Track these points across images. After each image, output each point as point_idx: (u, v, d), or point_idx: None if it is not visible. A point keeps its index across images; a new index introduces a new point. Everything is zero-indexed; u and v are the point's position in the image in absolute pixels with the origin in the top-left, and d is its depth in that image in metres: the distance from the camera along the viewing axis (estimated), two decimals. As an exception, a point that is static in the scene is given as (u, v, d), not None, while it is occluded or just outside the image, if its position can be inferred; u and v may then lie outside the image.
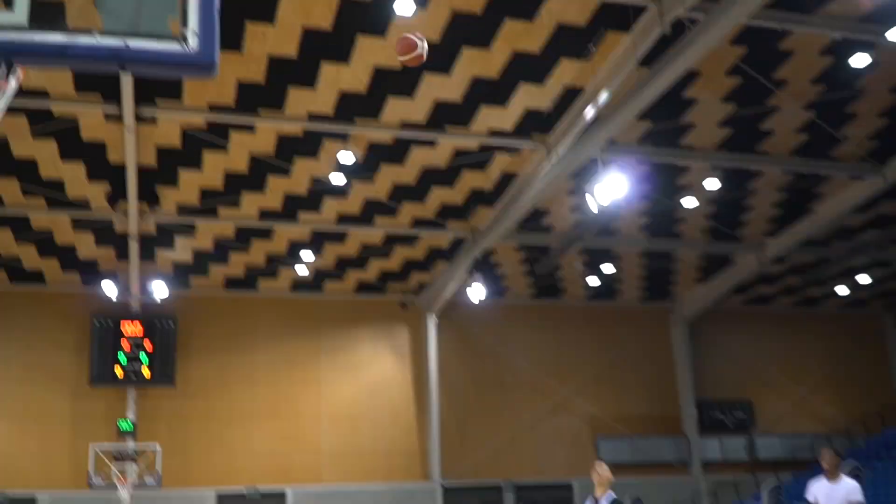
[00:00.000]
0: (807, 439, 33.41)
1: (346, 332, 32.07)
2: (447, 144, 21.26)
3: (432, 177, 22.87)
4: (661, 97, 18.10)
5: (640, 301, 34.49)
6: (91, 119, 19.32)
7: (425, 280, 30.97)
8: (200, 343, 30.13)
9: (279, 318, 31.27)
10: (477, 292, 28.59)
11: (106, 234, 25.10)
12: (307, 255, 27.69)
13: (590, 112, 18.90)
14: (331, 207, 24.53)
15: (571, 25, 16.73)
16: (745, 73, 18.45)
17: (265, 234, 26.06)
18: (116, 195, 22.79)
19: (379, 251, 27.95)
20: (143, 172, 21.39)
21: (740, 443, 34.50)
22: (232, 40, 16.51)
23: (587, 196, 19.67)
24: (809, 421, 35.05)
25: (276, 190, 23.17)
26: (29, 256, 26.64)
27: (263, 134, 20.40)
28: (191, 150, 20.81)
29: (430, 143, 21.14)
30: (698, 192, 24.39)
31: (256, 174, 22.21)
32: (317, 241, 26.84)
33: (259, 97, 18.75)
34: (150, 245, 25.99)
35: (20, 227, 24.65)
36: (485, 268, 29.01)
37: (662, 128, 20.77)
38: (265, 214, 24.66)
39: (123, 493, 25.08)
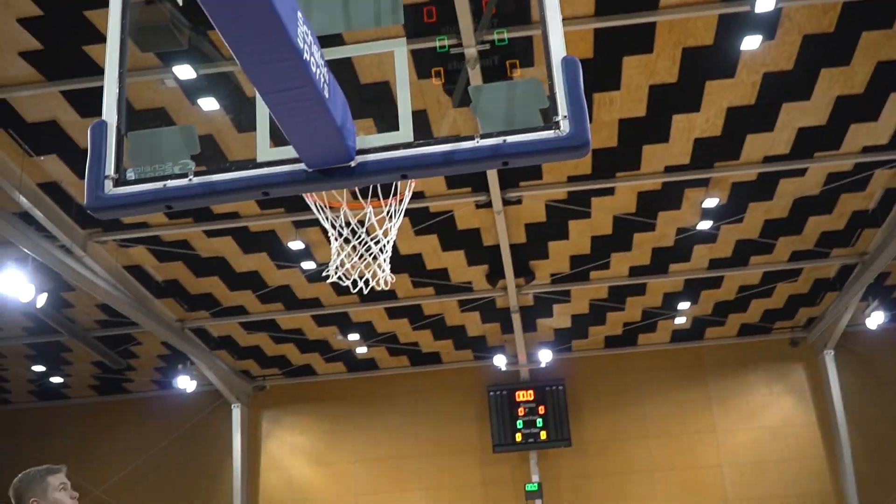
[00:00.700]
0: None
1: (735, 376, 30.94)
2: (818, 170, 19.96)
3: (806, 206, 21.53)
4: None
5: None
6: (464, 210, 20.87)
7: (814, 314, 29.00)
8: (589, 402, 30.73)
9: (663, 369, 30.97)
10: (875, 319, 26.36)
11: (490, 310, 26.71)
12: (683, 304, 27.26)
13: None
14: (701, 255, 24.01)
15: (939, 23, 15.13)
16: None
17: (638, 289, 26.10)
18: (495, 274, 24.19)
19: (759, 291, 26.72)
20: (515, 250, 22.56)
21: None
22: (582, 114, 16.98)
23: None
24: None
25: (642, 246, 23.19)
26: (425, 341, 29.11)
27: (623, 194, 20.61)
28: (556, 222, 21.60)
29: (799, 173, 19.98)
30: None
31: (621, 234, 22.46)
32: (691, 290, 26.35)
33: (614, 161, 19.06)
34: (531, 315, 27.21)
35: (415, 316, 27.07)
36: (879, 291, 26.68)
37: None
38: (635, 271, 24.75)
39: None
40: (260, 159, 5.80)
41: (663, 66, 16.25)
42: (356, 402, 31.83)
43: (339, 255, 10.32)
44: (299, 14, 4.87)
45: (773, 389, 30.88)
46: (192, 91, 15.60)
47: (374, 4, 6.17)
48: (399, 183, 9.95)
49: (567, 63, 5.55)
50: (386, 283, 10.43)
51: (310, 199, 9.77)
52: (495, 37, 13.71)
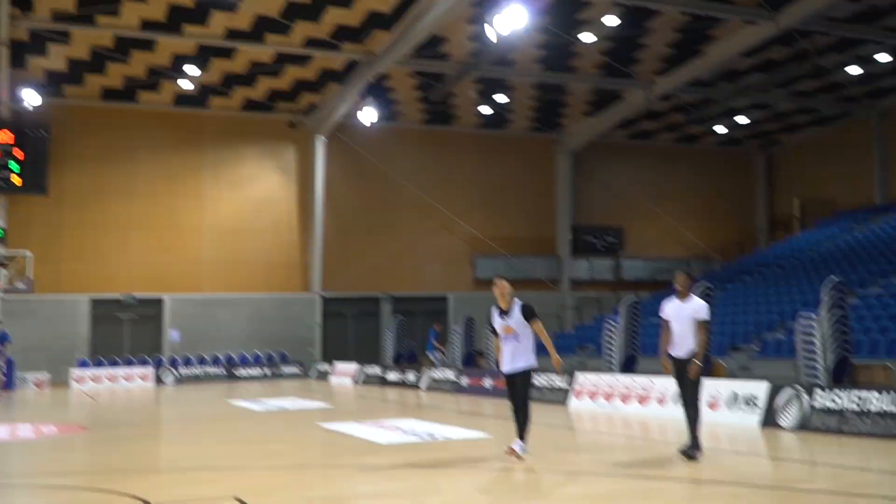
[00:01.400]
0: (669, 263, 35.79)
1: (231, 148, 31.73)
2: (344, -38, 20.50)
3: (329, -5, 22.10)
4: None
5: (529, 130, 35.15)
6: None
7: (315, 101, 30.49)
8: (76, 153, 29.25)
9: (160, 131, 30.50)
10: (368, 115, 28.58)
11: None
12: (192, 69, 26.66)
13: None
14: (220, 21, 23.51)
15: None
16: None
17: (146, 45, 24.86)
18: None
19: (269, 69, 27.18)
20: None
21: (608, 265, 36.81)
22: None
23: (486, 25, 19.54)
24: (674, 247, 37.43)
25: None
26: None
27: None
28: (67, -48, 19.38)
29: (327, -39, 20.32)
30: (596, 27, 24.51)
31: (138, -19, 20.96)
32: (203, 56, 25.84)
33: None
34: (22, 52, 24.48)
35: None
36: (378, 92, 28.86)
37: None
38: (148, 25, 23.45)
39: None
40: None
41: None
42: None
43: None
44: None
45: (264, 165, 32.34)
46: None
47: None
48: None
49: None
50: None
51: None
52: None
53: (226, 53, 25.79)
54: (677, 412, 9.30)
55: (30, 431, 13.76)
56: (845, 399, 11.24)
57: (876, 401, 10.83)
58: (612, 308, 27.37)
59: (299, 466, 9.43)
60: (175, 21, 23.32)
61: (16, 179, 27.64)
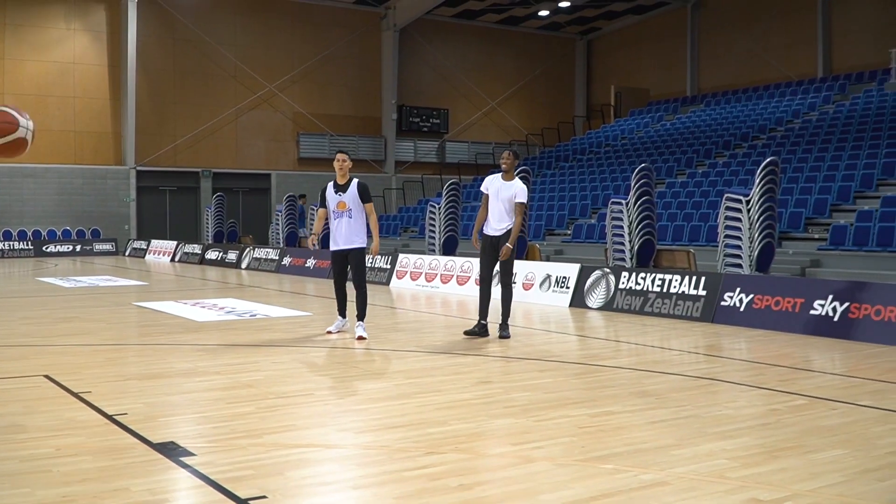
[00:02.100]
0: (491, 147, 36.45)
1: (35, 8, 29.15)
2: None
3: None
4: None
5: (354, 3, 34.19)
6: None
7: (125, -44, 28.34)
8: None
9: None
10: (183, -25, 27.03)
11: None
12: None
13: None
14: None
15: None
16: None
17: None
18: None
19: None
20: None
21: (433, 146, 37.06)
22: None
23: None
24: (496, 131, 38.09)
25: None
26: None
27: None
28: None
29: None
30: None
31: None
32: None
33: None
34: None
35: None
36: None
37: None
38: None
39: None
40: None
41: None
42: None
43: None
44: None
45: (71, 26, 29.95)
46: None
47: None
48: None
49: None
50: None
51: None
52: None
53: None
54: (495, 293, 9.55)
55: None
56: (649, 281, 11.99)
57: (676, 283, 11.62)
58: (438, 193, 27.74)
59: (113, 345, 9.13)
60: None
61: None
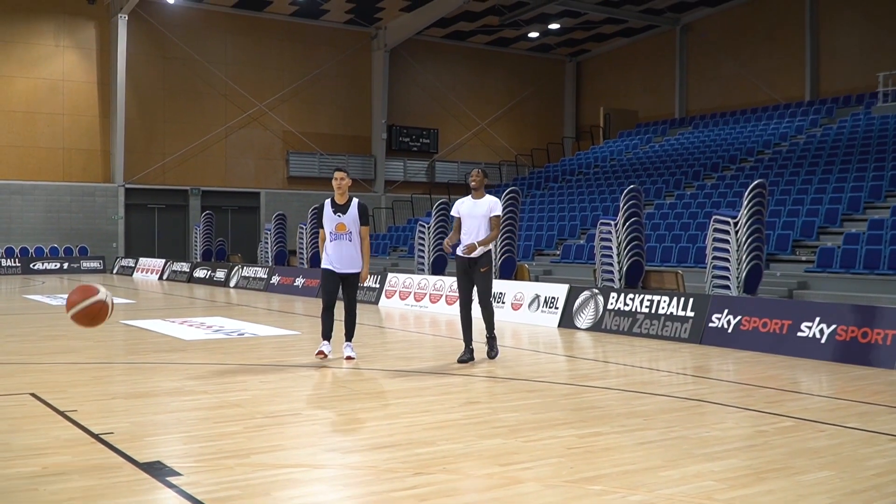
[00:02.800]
0: (481, 166, 36.52)
1: (23, 23, 29.17)
2: None
3: None
4: None
5: (345, 23, 34.34)
6: None
7: (114, -27, 28.43)
8: None
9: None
10: (175, -6, 27.13)
11: None
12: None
13: None
14: None
15: None
16: None
17: None
18: None
19: (64, -64, 24.96)
20: None
21: (422, 166, 37.16)
22: None
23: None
24: (486, 151, 38.22)
25: None
26: None
27: None
28: None
29: None
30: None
31: None
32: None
33: None
34: None
35: None
36: (184, -32, 27.27)
37: None
38: None
39: None
40: None
41: None
42: None
43: None
44: None
45: (61, 43, 29.98)
46: None
47: None
48: None
49: None
50: None
51: None
52: None
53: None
54: (478, 313, 9.45)
55: None
56: (637, 302, 12.02)
57: (665, 305, 11.65)
58: (427, 212, 27.77)
59: (99, 363, 9.08)
60: None
61: None
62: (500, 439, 5.70)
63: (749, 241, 13.17)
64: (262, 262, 25.75)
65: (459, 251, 9.20)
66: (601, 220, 15.77)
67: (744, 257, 13.17)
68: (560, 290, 13.32)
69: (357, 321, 9.66)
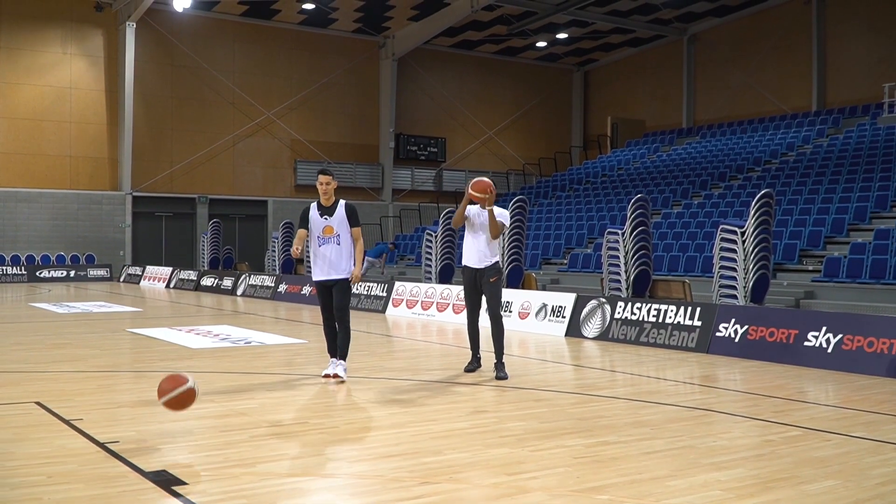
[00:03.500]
0: (488, 176, 36.53)
1: (31, 31, 29.31)
2: None
3: None
4: None
5: (353, 32, 34.44)
6: None
7: (127, -19, 28.57)
8: None
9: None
10: (180, 2, 27.10)
11: None
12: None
13: None
14: None
15: None
16: None
17: None
18: None
19: (73, -55, 25.09)
20: None
21: (430, 174, 37.21)
22: None
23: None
24: (493, 160, 38.24)
25: None
26: None
27: None
28: None
29: None
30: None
31: None
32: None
33: None
34: None
35: None
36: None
37: None
38: None
39: None
40: None
41: None
42: None
43: None
44: None
45: (68, 51, 30.11)
46: None
47: None
48: None
49: None
50: None
51: None
52: None
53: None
54: (487, 322, 9.32)
55: None
56: (644, 311, 11.99)
57: (672, 314, 11.62)
58: (434, 221, 27.81)
59: (105, 371, 9.10)
60: None
61: None
62: (506, 448, 5.69)
63: (756, 250, 13.14)
64: (269, 271, 25.78)
65: (468, 264, 8.91)
66: (608, 230, 15.75)
67: (751, 267, 13.14)
68: (567, 300, 13.30)
69: (362, 330, 9.51)
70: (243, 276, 23.44)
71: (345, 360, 8.57)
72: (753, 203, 13.34)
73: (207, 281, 25.05)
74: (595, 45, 36.49)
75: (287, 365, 9.69)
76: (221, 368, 9.32)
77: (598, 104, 39.44)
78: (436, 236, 19.43)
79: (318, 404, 7.50)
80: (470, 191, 8.80)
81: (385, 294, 17.39)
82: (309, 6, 31.43)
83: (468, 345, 9.30)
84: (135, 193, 30.93)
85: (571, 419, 6.74)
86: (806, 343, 9.91)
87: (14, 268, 28.61)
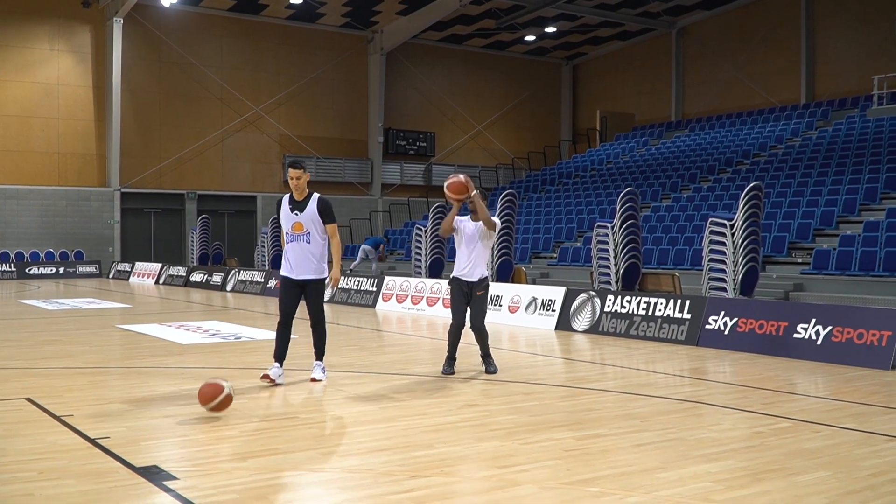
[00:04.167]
0: (478, 170, 36.57)
1: (17, 27, 29.13)
2: None
3: None
4: None
5: (342, 27, 34.36)
6: None
7: (112, -23, 28.43)
8: None
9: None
10: (169, -3, 27.12)
11: None
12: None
13: None
14: None
15: None
16: None
17: None
18: None
19: (60, -61, 24.94)
20: None
21: (419, 169, 37.16)
22: None
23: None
24: (482, 154, 38.24)
25: None
26: None
27: None
28: None
29: None
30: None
31: None
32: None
33: None
34: None
35: None
36: (179, -29, 27.25)
37: None
38: None
39: None
40: None
41: None
42: None
43: None
44: None
45: (55, 47, 29.95)
46: None
47: None
48: None
49: None
50: None
51: None
52: None
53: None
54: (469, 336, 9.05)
55: None
56: (634, 305, 12.03)
57: (661, 307, 11.66)
58: (424, 215, 27.83)
59: (96, 368, 9.07)
60: None
61: None
62: (497, 442, 5.70)
63: (745, 243, 13.19)
64: (258, 266, 25.72)
65: (459, 276, 8.70)
66: (598, 223, 15.78)
67: (740, 259, 13.18)
68: (557, 293, 13.33)
69: (332, 329, 8.88)
70: (233, 271, 23.39)
71: (321, 360, 8.28)
72: (742, 196, 13.39)
73: (197, 277, 24.98)
74: (584, 38, 36.52)
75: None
76: (212, 364, 9.31)
77: (587, 98, 39.47)
78: (425, 231, 19.43)
79: (309, 399, 7.50)
80: (448, 192, 8.62)
81: (375, 289, 17.38)
82: (296, 1, 31.33)
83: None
84: (123, 190, 30.83)
85: (561, 412, 6.76)
86: (795, 335, 9.96)
87: (3, 265, 28.48)
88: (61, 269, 29.41)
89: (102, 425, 6.12)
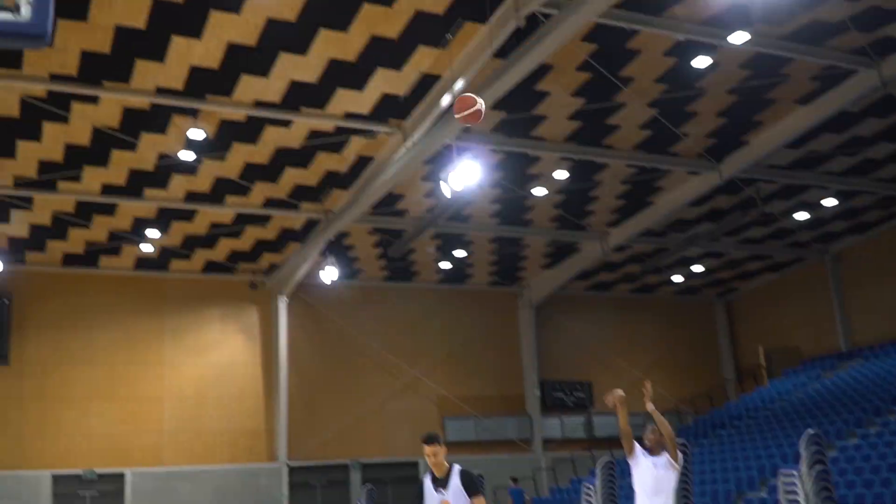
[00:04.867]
0: (641, 418, 35.10)
1: (192, 312, 31.32)
2: (302, 125, 20.89)
3: (286, 157, 22.43)
4: (514, 88, 18.50)
5: (490, 285, 35.26)
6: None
7: (276, 260, 30.52)
8: (37, 321, 28.70)
9: (121, 296, 30.10)
10: (329, 274, 28.55)
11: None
12: (153, 232, 26.70)
13: (446, 99, 19.03)
14: (179, 185, 23.70)
15: (429, 13, 16.71)
16: (594, 69, 18.97)
17: (108, 209, 24.90)
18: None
19: (229, 230, 27.26)
20: (-24, 141, 20.05)
21: (579, 421, 36.01)
22: (76, 9, 15.67)
23: (441, 182, 19.78)
24: (643, 401, 36.85)
25: (120, 165, 22.13)
26: None
27: (108, 106, 19.40)
28: (29, 120, 19.56)
29: (285, 124, 20.71)
30: (548, 181, 25.08)
31: (99, 148, 21.14)
32: (163, 219, 25.90)
33: (104, 68, 17.83)
34: (-17, 218, 24.47)
35: None
36: (338, 249, 28.92)
37: (515, 118, 21.15)
38: (108, 189, 23.57)
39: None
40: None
41: (170, -18, 15.65)
42: None
43: None
44: None
45: (227, 329, 31.82)
46: None
47: None
48: None
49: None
50: None
51: None
52: None
53: (186, 216, 25.85)
54: None
55: None
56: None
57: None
58: (590, 471, 26.61)
59: None
60: (136, 185, 23.48)
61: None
62: None
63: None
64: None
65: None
66: (781, 471, 14.52)
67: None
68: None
69: None
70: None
71: None
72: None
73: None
74: (733, 274, 35.89)
75: None
76: None
77: (747, 334, 38.05)
78: (595, 490, 18.36)
79: None
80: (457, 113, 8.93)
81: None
82: (446, 265, 32.58)
83: None
84: (290, 464, 31.00)
85: None
86: None
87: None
88: (229, 547, 29.26)
89: None
